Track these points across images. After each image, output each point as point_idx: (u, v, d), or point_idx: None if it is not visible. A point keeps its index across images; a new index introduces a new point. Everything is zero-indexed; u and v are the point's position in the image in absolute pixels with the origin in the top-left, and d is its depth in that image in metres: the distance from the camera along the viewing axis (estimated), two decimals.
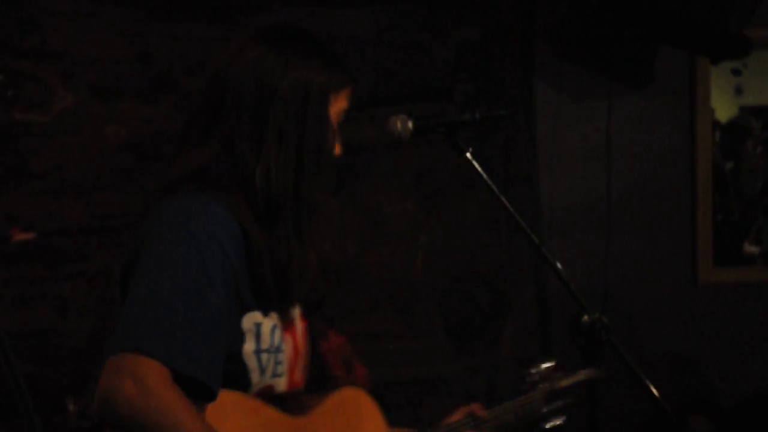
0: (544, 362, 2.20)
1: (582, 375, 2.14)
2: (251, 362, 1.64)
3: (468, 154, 2.03)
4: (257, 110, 1.62)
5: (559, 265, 2.04)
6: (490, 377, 4.31)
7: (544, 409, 2.15)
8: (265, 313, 1.67)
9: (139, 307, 1.48)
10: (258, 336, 1.65)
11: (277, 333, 1.69)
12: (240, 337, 1.63)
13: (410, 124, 2.01)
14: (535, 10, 4.26)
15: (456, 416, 2.16)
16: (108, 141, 3.94)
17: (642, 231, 4.29)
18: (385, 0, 4.21)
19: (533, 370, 2.21)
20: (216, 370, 1.51)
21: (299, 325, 1.82)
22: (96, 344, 3.70)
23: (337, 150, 1.77)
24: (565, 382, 2.18)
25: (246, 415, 1.61)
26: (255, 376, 1.65)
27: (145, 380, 1.41)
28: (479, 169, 2.02)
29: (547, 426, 2.12)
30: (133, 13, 3.96)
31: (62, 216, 3.83)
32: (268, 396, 1.69)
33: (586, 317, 2.00)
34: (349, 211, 4.21)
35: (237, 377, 1.61)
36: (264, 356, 1.65)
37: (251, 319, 1.65)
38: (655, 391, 2.00)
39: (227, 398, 1.55)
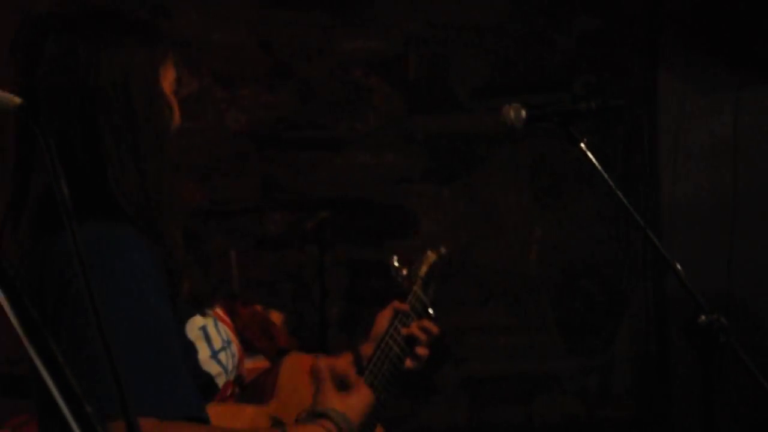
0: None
1: (430, 256, 2.12)
2: (213, 368, 1.54)
3: (582, 145, 1.97)
4: (79, 112, 1.42)
5: (677, 264, 1.96)
6: (605, 377, 4.21)
7: (425, 299, 2.04)
8: (203, 314, 1.56)
9: (95, 368, 1.26)
10: (208, 339, 1.54)
11: (221, 326, 1.58)
12: (191, 348, 1.50)
13: (523, 113, 1.96)
14: None
15: (382, 321, 1.93)
16: (228, 127, 4.02)
17: None
18: None
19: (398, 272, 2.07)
20: (197, 396, 1.41)
21: (220, 311, 1.67)
22: None
23: (177, 120, 1.60)
24: (424, 269, 2.11)
25: (234, 422, 1.53)
26: (221, 380, 1.56)
27: None
28: (594, 160, 1.96)
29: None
30: (258, 1, 4.03)
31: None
32: (236, 395, 1.60)
33: (703, 317, 1.92)
34: (463, 201, 4.18)
35: (205, 389, 1.49)
36: (222, 356, 1.55)
37: (194, 325, 1.53)
38: None
39: (211, 412, 1.45)
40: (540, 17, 4.17)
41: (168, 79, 1.52)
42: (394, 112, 4.14)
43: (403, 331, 1.93)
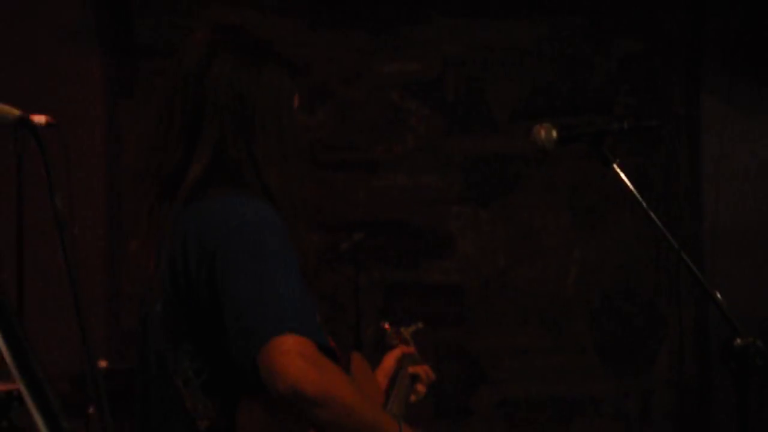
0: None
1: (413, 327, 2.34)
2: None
3: (615, 165, 1.95)
4: (241, 120, 1.71)
5: (710, 286, 1.93)
6: (645, 400, 4.15)
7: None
8: None
9: (265, 297, 1.55)
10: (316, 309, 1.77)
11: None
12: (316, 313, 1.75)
13: (554, 133, 1.95)
14: (704, 20, 4.09)
15: (390, 359, 2.21)
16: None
17: None
18: (546, 10, 4.15)
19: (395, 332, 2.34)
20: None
21: None
22: None
23: (301, 139, 1.83)
24: (410, 331, 2.34)
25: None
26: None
27: (312, 355, 1.52)
28: (626, 181, 1.94)
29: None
30: (297, 23, 4.06)
31: None
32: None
33: (739, 341, 1.89)
34: (501, 223, 4.16)
35: (328, 354, 1.67)
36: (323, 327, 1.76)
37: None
38: None
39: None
40: (580, 39, 4.16)
41: (296, 103, 1.79)
42: (431, 134, 4.14)
43: (410, 369, 2.18)
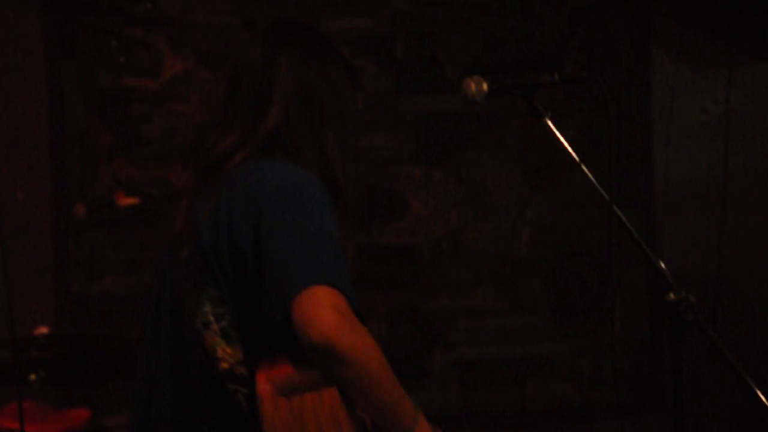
0: None
1: None
2: None
3: (547, 119, 1.91)
4: (304, 107, 1.81)
5: (642, 241, 1.90)
6: (598, 360, 4.15)
7: None
8: None
9: (307, 249, 1.58)
10: None
11: None
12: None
13: (485, 86, 1.91)
14: None
15: None
16: (216, 108, 3.97)
17: (761, 211, 4.04)
18: None
19: None
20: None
21: None
22: None
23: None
24: None
25: None
26: None
27: (347, 314, 1.54)
28: (558, 135, 1.90)
29: None
30: None
31: (169, 182, 3.88)
32: None
33: (672, 295, 1.86)
34: (453, 182, 4.12)
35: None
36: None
37: None
38: (748, 378, 1.85)
39: None
40: None
41: (359, 104, 1.93)
42: (381, 92, 4.08)
43: None
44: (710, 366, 3.36)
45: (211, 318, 1.67)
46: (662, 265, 1.93)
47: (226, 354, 1.66)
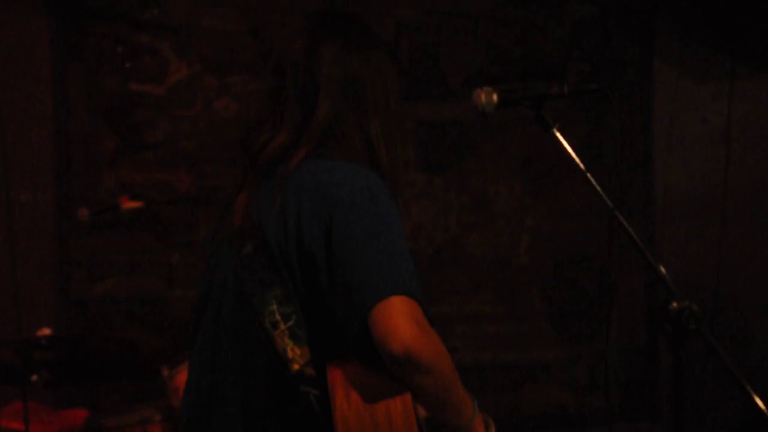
0: None
1: None
2: None
3: (555, 130, 1.94)
4: (349, 97, 1.82)
5: (646, 249, 1.93)
6: (594, 366, 4.18)
7: None
8: None
9: (382, 259, 1.58)
10: None
11: None
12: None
13: (495, 97, 1.93)
14: None
15: None
16: (218, 114, 4.00)
17: (760, 221, 4.07)
18: None
19: None
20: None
21: None
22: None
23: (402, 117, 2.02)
24: None
25: None
26: None
27: (423, 323, 1.56)
28: (565, 145, 1.93)
29: None
30: None
31: (172, 186, 3.91)
32: None
33: (675, 304, 1.89)
34: (454, 189, 4.15)
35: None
36: None
37: None
38: (747, 385, 1.88)
39: None
40: (533, 4, 4.13)
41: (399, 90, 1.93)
42: None
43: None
44: (707, 372, 3.39)
45: (279, 318, 1.67)
46: (665, 273, 1.96)
47: (295, 355, 1.66)
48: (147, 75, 3.91)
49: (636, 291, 4.17)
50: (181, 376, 2.91)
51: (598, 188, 1.90)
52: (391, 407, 1.57)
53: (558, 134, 1.96)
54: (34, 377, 2.97)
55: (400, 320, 1.52)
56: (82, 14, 3.89)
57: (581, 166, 1.91)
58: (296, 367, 1.65)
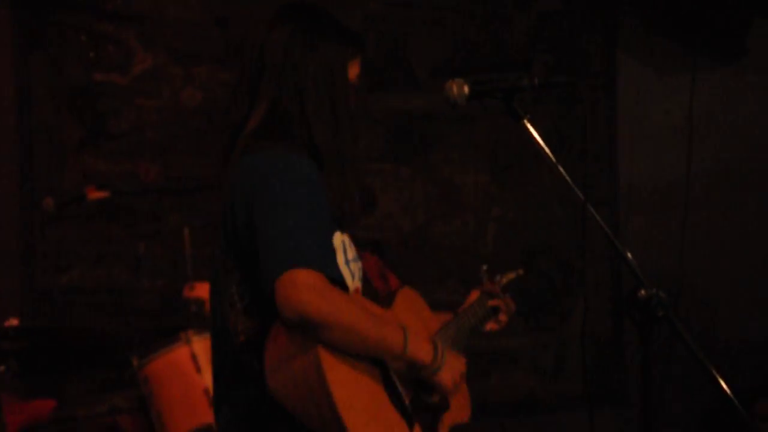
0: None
1: (512, 274, 2.70)
2: (345, 272, 1.95)
3: (525, 121, 1.96)
4: (295, 83, 1.93)
5: (618, 241, 1.97)
6: (560, 353, 4.23)
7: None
8: (342, 231, 2.00)
9: (283, 236, 1.78)
10: (344, 250, 1.98)
11: (353, 247, 2.05)
12: (333, 252, 1.93)
13: (466, 89, 1.96)
14: None
15: (472, 296, 2.62)
16: (184, 104, 3.98)
17: (722, 212, 4.14)
18: None
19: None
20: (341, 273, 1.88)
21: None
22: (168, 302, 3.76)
23: (353, 102, 2.05)
24: (506, 279, 2.73)
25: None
26: (350, 284, 1.98)
27: (319, 285, 1.74)
28: (535, 136, 1.95)
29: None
30: None
31: (137, 177, 3.89)
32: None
33: (643, 292, 1.93)
34: (421, 179, 4.17)
35: (339, 285, 1.88)
36: (352, 265, 2.00)
37: (338, 237, 1.96)
38: (715, 372, 1.92)
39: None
40: None
41: (353, 72, 2.02)
42: None
43: (489, 303, 2.57)
44: (673, 359, 3.45)
45: (236, 298, 1.87)
46: (634, 262, 2.00)
47: (245, 328, 1.86)
48: (111, 64, 3.89)
49: (602, 280, 4.23)
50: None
51: (569, 180, 1.93)
52: (305, 362, 1.77)
53: (529, 125, 1.98)
54: (2, 368, 2.96)
55: (288, 290, 1.72)
56: (45, 3, 3.85)
57: (552, 158, 1.94)
58: (242, 338, 1.86)
